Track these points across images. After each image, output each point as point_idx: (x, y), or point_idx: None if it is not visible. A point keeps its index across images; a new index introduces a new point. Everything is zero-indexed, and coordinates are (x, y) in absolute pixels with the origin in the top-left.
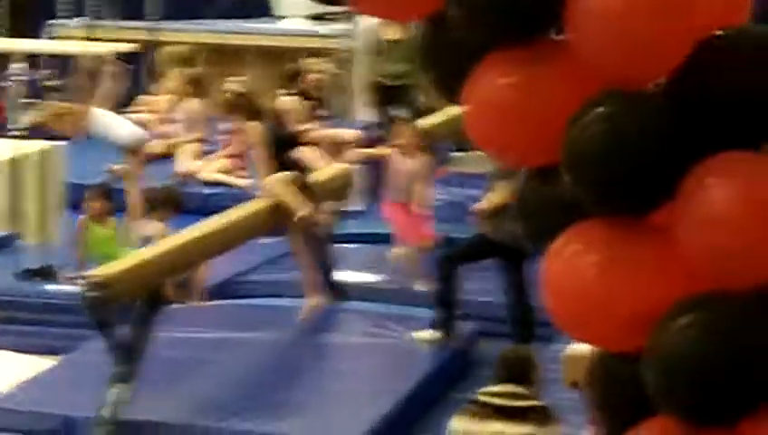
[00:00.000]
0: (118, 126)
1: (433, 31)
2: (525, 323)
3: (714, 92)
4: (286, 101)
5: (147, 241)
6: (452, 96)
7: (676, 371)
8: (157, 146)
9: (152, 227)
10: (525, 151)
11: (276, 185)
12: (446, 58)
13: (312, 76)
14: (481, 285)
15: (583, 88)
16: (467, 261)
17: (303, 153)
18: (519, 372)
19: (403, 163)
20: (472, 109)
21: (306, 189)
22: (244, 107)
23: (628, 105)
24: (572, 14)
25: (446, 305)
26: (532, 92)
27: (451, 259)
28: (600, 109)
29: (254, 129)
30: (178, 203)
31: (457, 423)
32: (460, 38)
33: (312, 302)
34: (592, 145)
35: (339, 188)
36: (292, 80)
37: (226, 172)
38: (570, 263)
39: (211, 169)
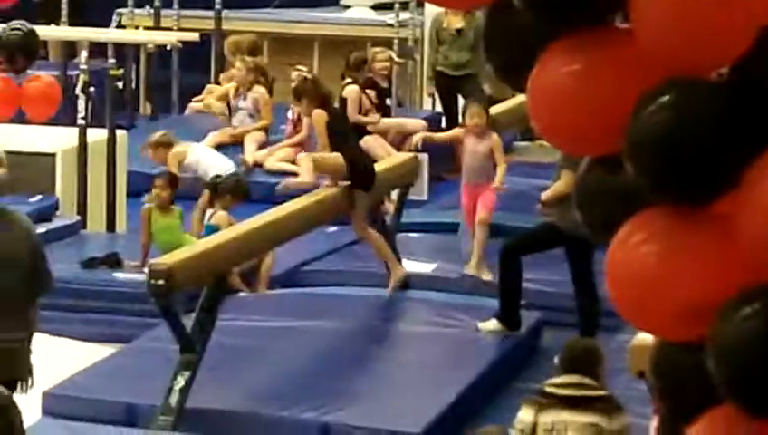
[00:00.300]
0: (210, 164)
1: (497, 18)
2: (591, 313)
3: None
4: (351, 90)
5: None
6: (516, 84)
7: (737, 361)
8: (222, 134)
9: (218, 215)
10: (587, 140)
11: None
12: (510, 46)
13: (379, 65)
14: (546, 275)
15: (646, 76)
16: (532, 251)
17: (368, 142)
18: (584, 362)
19: (476, 144)
20: (535, 97)
21: (367, 175)
22: (310, 94)
23: (691, 94)
24: (636, 2)
25: (510, 295)
26: (595, 80)
27: (515, 249)
28: (663, 97)
29: (319, 116)
30: (245, 192)
31: (524, 414)
32: (524, 25)
33: (398, 272)
34: (655, 134)
35: (404, 177)
36: (357, 69)
37: (290, 161)
38: (632, 252)
39: (275, 158)
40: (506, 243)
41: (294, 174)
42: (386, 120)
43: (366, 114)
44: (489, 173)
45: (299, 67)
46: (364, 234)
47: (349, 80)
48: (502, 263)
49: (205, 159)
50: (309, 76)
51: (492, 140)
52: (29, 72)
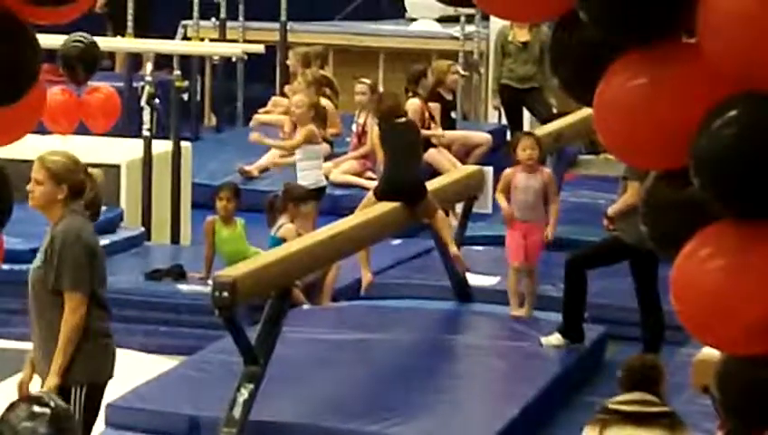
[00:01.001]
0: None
1: (564, 32)
2: (654, 327)
3: None
4: (411, 104)
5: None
6: (582, 98)
7: None
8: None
9: (285, 228)
10: (653, 154)
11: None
12: (576, 59)
13: (450, 78)
14: (611, 287)
15: (713, 91)
16: (597, 264)
17: (432, 155)
18: (646, 379)
19: (528, 178)
20: (601, 110)
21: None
22: (374, 107)
23: (759, 109)
24: (703, 16)
25: (573, 308)
26: (661, 94)
27: (580, 262)
28: (731, 112)
29: (373, 130)
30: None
31: (588, 431)
32: (591, 39)
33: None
34: (722, 148)
35: (468, 190)
36: (417, 82)
37: (355, 173)
38: (699, 266)
39: (340, 171)
40: (571, 256)
41: (358, 186)
42: (450, 133)
43: (428, 128)
44: (539, 210)
45: (362, 80)
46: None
47: (410, 94)
48: (567, 276)
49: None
50: (371, 90)
51: (544, 175)
52: (91, 83)
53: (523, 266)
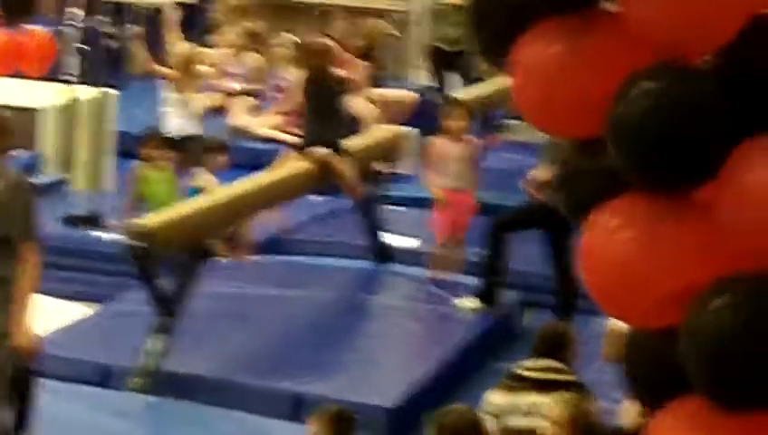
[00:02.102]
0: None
1: None
2: (568, 295)
3: (762, 71)
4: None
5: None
6: (498, 62)
7: (708, 352)
8: (214, 99)
9: (205, 178)
10: (570, 122)
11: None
12: (494, 23)
13: (382, 40)
14: (529, 254)
15: (632, 60)
16: (517, 229)
17: (356, 104)
18: (556, 347)
19: (451, 148)
20: (518, 76)
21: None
22: (297, 59)
23: (676, 80)
24: None
25: (492, 273)
26: (579, 62)
27: (502, 227)
28: (648, 83)
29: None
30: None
31: (493, 396)
32: (510, 3)
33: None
34: (638, 119)
35: (390, 150)
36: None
37: (279, 129)
38: (609, 236)
39: (263, 125)
40: (496, 219)
41: (281, 141)
42: (378, 91)
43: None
44: (469, 178)
45: (285, 35)
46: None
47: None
48: (490, 238)
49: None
50: (294, 43)
51: (472, 143)
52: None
53: (450, 240)
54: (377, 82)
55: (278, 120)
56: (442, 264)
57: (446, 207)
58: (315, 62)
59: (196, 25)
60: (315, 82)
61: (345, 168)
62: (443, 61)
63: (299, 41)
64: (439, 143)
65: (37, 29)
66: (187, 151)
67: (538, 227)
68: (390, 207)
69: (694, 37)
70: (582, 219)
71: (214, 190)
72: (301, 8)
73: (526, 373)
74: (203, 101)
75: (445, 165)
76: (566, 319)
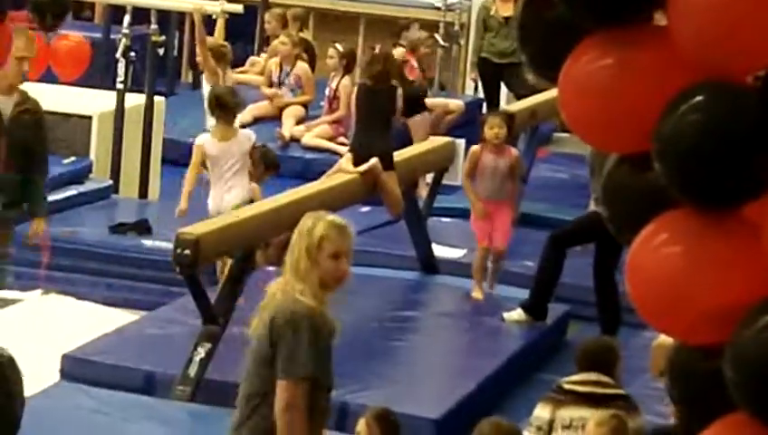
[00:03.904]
0: None
1: (533, 7)
2: (612, 309)
3: None
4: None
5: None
6: (547, 76)
7: (754, 370)
8: (263, 108)
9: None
10: (616, 136)
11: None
12: (544, 36)
13: (423, 51)
14: (575, 266)
15: (680, 76)
16: (576, 243)
17: (415, 122)
18: (601, 361)
19: (495, 159)
20: (566, 89)
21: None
22: (363, 68)
23: (724, 97)
24: (674, 0)
25: (545, 286)
26: (627, 77)
27: (559, 241)
28: (695, 98)
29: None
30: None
31: (541, 410)
32: (560, 17)
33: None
34: (685, 135)
35: (438, 161)
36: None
37: (327, 138)
38: (656, 252)
39: (312, 134)
40: (554, 233)
41: (329, 151)
42: (427, 101)
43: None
44: (506, 191)
45: (335, 45)
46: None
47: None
48: (546, 252)
49: None
50: (348, 52)
51: (512, 155)
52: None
53: (491, 248)
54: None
55: (327, 129)
56: (481, 274)
57: (485, 216)
58: (377, 70)
59: (244, 34)
60: (371, 91)
61: (390, 182)
62: (492, 73)
63: (347, 52)
64: (479, 153)
65: (72, 34)
66: None
67: (596, 241)
68: (438, 217)
69: (741, 55)
70: (626, 234)
71: (260, 200)
72: (348, 18)
73: (573, 387)
74: (252, 111)
75: (484, 175)
76: (610, 333)
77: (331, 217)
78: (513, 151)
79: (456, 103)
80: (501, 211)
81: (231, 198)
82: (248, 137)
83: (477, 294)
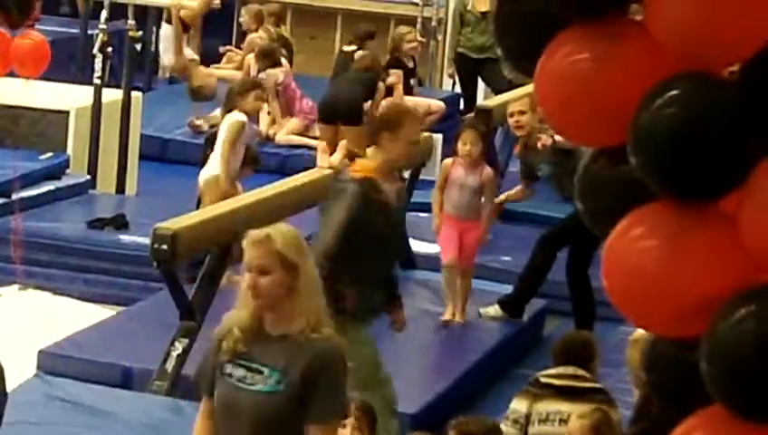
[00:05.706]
0: None
1: (509, 1)
2: (585, 304)
3: None
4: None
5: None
6: (524, 69)
7: (729, 363)
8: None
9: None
10: (592, 130)
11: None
12: (520, 30)
13: (407, 46)
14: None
15: (657, 69)
16: (566, 243)
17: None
18: (579, 355)
19: (466, 176)
20: (543, 83)
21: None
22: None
23: (702, 89)
24: None
25: (530, 284)
26: (604, 70)
27: (550, 243)
28: (672, 91)
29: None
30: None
31: (518, 404)
32: (536, 10)
33: None
34: (662, 128)
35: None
36: (362, 41)
37: (298, 131)
38: (632, 245)
39: (284, 132)
40: (545, 234)
41: (304, 146)
42: (407, 99)
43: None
44: (475, 209)
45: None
46: None
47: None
48: (537, 251)
49: None
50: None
51: (483, 173)
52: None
53: (457, 266)
54: (408, 91)
55: (296, 122)
56: (449, 291)
57: (449, 225)
58: (364, 64)
59: (220, 31)
60: (349, 62)
61: None
62: (469, 68)
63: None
64: (450, 166)
65: (32, 32)
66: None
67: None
68: (416, 213)
69: (719, 47)
70: (602, 229)
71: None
72: (325, 13)
73: (550, 381)
74: None
75: (451, 189)
76: (585, 328)
77: (255, 231)
78: (487, 170)
79: (437, 105)
80: (468, 232)
81: None
82: None
83: (448, 316)
